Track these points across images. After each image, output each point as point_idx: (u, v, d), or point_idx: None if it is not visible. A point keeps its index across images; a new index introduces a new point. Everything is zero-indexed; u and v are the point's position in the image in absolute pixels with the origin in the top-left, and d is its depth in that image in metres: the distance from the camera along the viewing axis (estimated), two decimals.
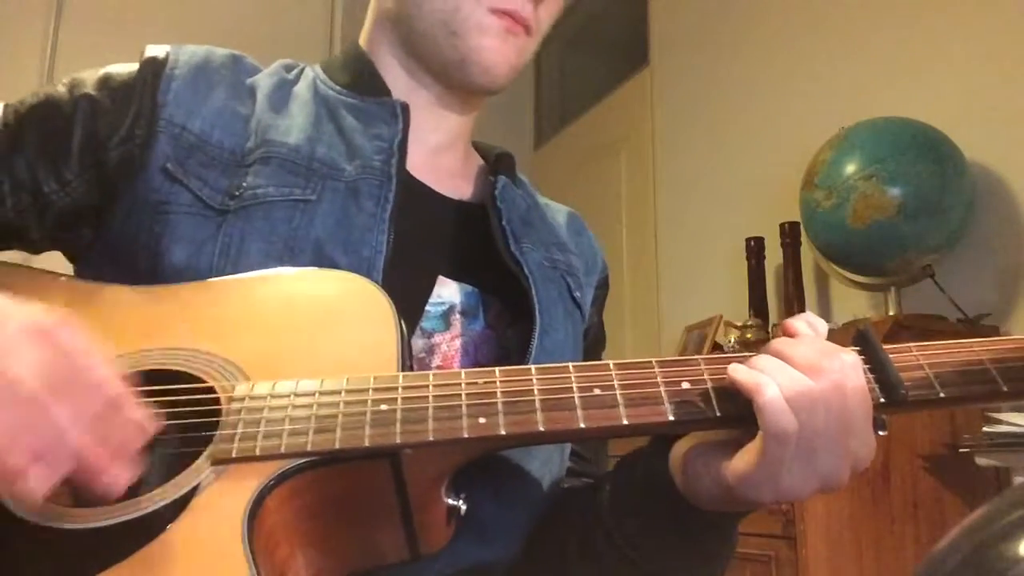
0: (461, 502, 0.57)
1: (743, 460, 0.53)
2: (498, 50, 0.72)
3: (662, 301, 2.92)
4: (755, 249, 2.27)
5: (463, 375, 0.54)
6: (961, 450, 1.61)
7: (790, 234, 2.17)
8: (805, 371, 0.51)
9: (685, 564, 0.63)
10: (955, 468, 1.68)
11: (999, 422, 1.51)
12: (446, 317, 0.71)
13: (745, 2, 2.72)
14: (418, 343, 0.69)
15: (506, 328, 0.73)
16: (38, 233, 0.68)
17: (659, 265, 2.97)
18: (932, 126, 1.85)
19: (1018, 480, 1.57)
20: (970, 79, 1.97)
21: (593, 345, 0.83)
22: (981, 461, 1.56)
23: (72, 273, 0.70)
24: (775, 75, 2.55)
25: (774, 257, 2.26)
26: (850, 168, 1.85)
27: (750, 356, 0.54)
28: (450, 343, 0.70)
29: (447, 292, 0.72)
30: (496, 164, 0.82)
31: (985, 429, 1.53)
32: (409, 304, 0.68)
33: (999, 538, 0.39)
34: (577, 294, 0.79)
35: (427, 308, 0.70)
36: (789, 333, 0.56)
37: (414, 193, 0.73)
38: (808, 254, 2.17)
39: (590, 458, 0.80)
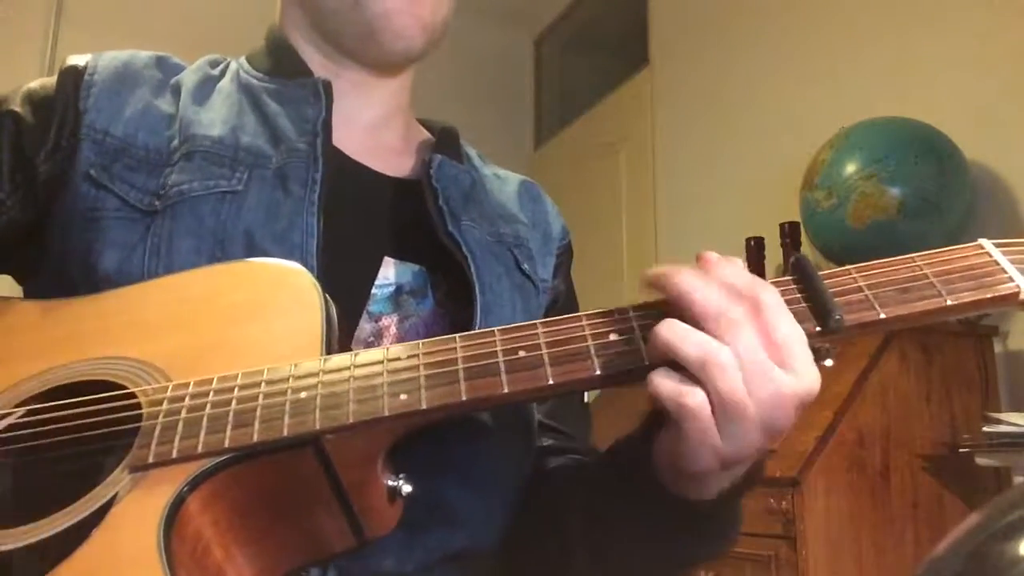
0: (401, 481, 0.54)
1: (667, 435, 0.50)
2: (406, 12, 0.71)
3: None
4: (755, 249, 2.26)
5: (387, 352, 0.52)
6: (961, 450, 1.61)
7: (790, 234, 2.17)
8: (713, 324, 0.49)
9: (690, 552, 0.62)
10: (955, 468, 1.68)
11: (999, 422, 1.51)
12: (393, 299, 0.69)
13: (745, 2, 2.72)
14: (366, 327, 0.67)
15: (457, 306, 0.71)
16: None
17: (659, 265, 2.96)
18: (932, 126, 1.85)
19: (1018, 480, 1.57)
20: (970, 79, 1.96)
21: (562, 313, 0.81)
22: (981, 461, 1.56)
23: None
24: (775, 75, 2.55)
25: (774, 257, 2.26)
26: (850, 168, 1.85)
27: (665, 310, 0.52)
28: (399, 325, 0.68)
29: (393, 273, 0.70)
30: (438, 140, 0.80)
31: (985, 429, 1.52)
32: (353, 288, 0.67)
33: (999, 538, 0.39)
34: (526, 266, 0.76)
35: (373, 291, 0.68)
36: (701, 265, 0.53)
37: (348, 173, 0.71)
38: (808, 254, 2.17)
39: (572, 433, 0.77)
